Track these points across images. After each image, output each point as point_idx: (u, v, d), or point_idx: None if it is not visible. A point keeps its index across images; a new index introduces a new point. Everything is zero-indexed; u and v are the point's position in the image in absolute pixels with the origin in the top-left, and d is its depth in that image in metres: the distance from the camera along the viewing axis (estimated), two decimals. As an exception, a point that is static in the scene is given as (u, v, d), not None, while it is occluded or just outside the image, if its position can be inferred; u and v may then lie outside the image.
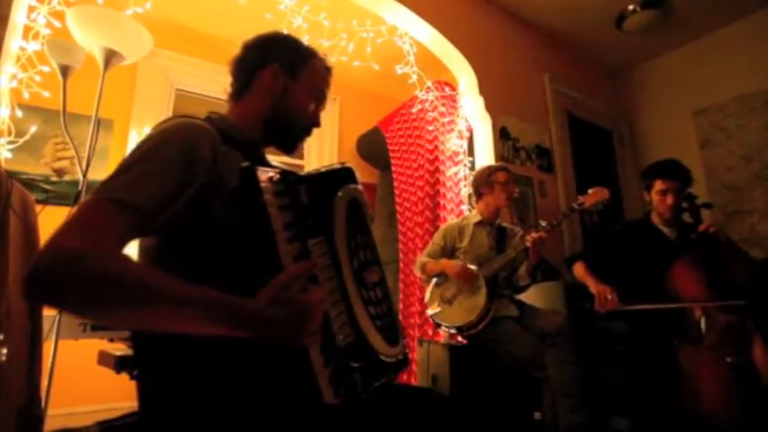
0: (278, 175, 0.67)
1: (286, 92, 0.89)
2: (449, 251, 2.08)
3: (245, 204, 0.65)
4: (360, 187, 0.84)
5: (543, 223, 1.86)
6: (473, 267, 1.91)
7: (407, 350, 0.85)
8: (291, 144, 0.93)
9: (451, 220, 2.30)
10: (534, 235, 1.81)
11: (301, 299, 0.61)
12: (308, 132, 0.95)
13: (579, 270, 1.94)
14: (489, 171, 2.11)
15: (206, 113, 0.87)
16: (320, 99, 0.95)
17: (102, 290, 0.54)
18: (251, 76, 0.89)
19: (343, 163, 0.87)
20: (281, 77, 0.88)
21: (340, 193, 0.78)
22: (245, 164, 0.66)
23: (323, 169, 0.82)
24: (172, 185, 0.64)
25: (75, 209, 0.59)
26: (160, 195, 0.63)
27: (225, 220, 0.67)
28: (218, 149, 0.73)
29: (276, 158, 0.99)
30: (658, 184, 1.92)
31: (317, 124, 0.95)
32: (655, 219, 2.00)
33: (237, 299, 0.58)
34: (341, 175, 0.82)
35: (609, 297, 1.72)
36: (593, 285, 1.80)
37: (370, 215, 0.87)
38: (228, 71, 0.93)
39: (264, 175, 0.66)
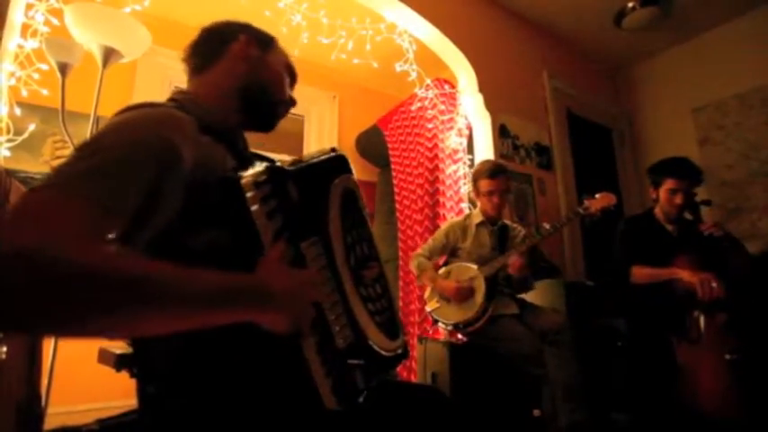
0: (263, 176, 0.62)
1: (261, 61, 0.84)
2: (450, 249, 2.08)
3: (230, 218, 0.61)
4: (354, 176, 0.80)
5: (547, 225, 1.84)
6: (472, 267, 1.92)
7: (407, 342, 0.84)
8: (270, 120, 0.86)
9: (455, 217, 2.29)
10: (513, 260, 1.81)
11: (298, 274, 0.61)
12: (286, 109, 0.89)
13: (643, 272, 1.86)
14: (475, 176, 2.07)
15: (170, 93, 0.79)
16: (292, 76, 0.91)
17: (83, 292, 0.41)
18: (221, 46, 0.83)
19: (334, 149, 0.80)
20: (254, 47, 0.84)
21: (333, 185, 0.74)
22: (226, 176, 0.61)
23: (314, 158, 0.74)
24: (137, 183, 0.53)
25: (19, 200, 0.46)
26: (121, 194, 0.51)
27: (210, 233, 0.61)
28: (200, 143, 0.65)
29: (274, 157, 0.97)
30: (669, 183, 1.89)
31: (294, 102, 0.91)
32: (658, 214, 2.00)
33: (241, 275, 0.57)
34: (333, 165, 0.77)
35: (714, 285, 1.61)
36: (689, 275, 1.67)
37: (365, 206, 0.83)
38: (186, 60, 0.85)
39: (247, 180, 0.60)
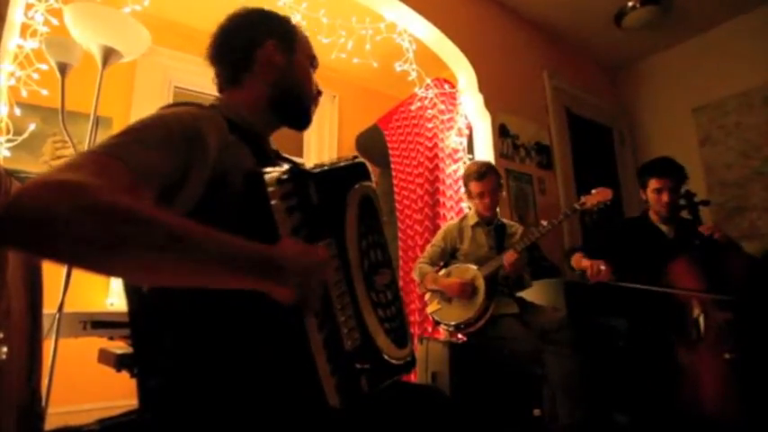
0: (286, 175, 0.64)
1: (291, 65, 0.86)
2: (449, 253, 2.09)
3: (250, 211, 0.63)
4: (373, 184, 0.81)
5: (544, 223, 1.85)
6: (472, 267, 1.92)
7: (414, 352, 0.83)
8: (305, 119, 0.90)
9: (452, 220, 2.30)
10: (509, 256, 1.82)
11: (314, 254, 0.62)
12: (316, 103, 0.92)
13: (576, 257, 1.94)
14: (465, 179, 2.08)
15: (210, 102, 0.83)
16: (314, 64, 0.93)
17: (121, 227, 0.46)
18: (248, 56, 0.83)
19: (355, 157, 0.82)
20: (281, 52, 0.85)
21: (352, 191, 0.75)
22: (251, 169, 0.64)
23: (335, 164, 0.77)
24: (169, 159, 0.59)
25: (68, 158, 0.53)
26: (154, 165, 0.57)
27: (229, 224, 0.63)
28: (226, 140, 0.70)
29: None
30: (653, 183, 1.93)
31: (321, 92, 0.93)
32: (652, 216, 2.00)
33: (258, 244, 0.59)
34: (353, 171, 0.79)
35: (602, 268, 1.71)
36: (585, 261, 1.81)
37: (382, 214, 0.83)
38: (211, 61, 0.87)
39: (271, 176, 0.64)
